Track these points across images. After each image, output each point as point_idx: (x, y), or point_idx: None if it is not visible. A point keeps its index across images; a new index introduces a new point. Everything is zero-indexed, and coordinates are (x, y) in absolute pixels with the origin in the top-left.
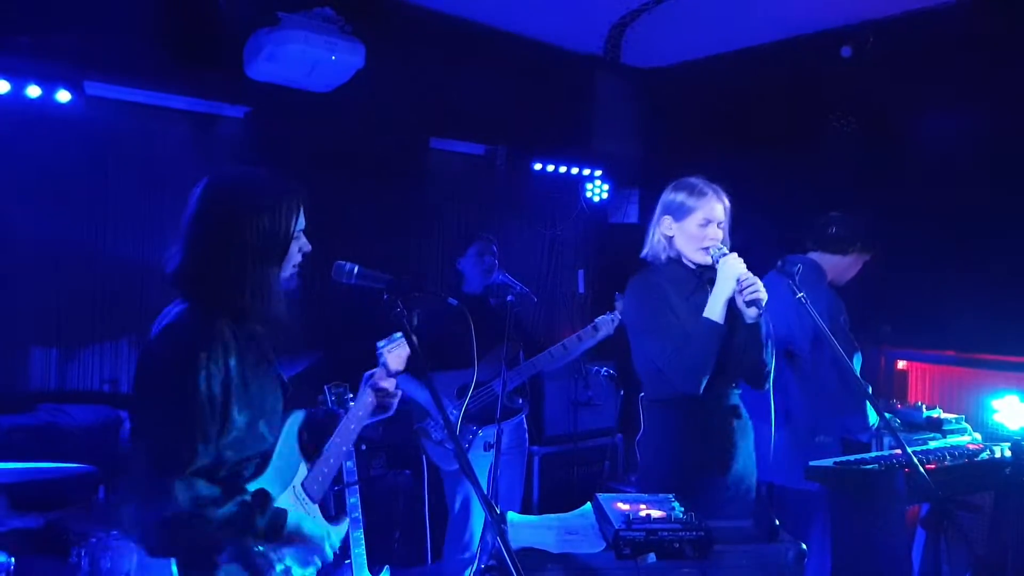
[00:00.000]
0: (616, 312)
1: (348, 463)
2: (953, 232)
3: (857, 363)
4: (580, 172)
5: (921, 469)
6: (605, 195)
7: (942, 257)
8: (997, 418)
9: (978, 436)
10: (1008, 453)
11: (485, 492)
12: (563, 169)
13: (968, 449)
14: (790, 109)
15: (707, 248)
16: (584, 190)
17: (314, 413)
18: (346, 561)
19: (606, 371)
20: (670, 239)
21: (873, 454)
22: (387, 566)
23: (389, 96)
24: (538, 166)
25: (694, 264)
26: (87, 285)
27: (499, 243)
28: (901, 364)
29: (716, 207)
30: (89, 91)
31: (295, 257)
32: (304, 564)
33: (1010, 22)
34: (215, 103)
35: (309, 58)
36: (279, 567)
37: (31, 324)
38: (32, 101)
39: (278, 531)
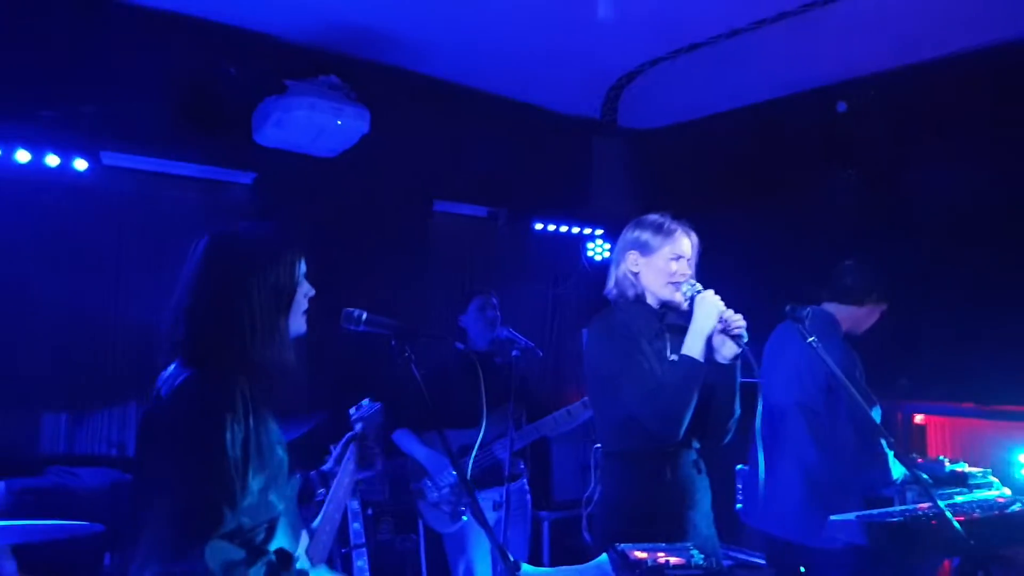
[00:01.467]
0: None
1: (356, 525)
2: (968, 283)
3: (876, 417)
4: (581, 231)
5: (952, 519)
6: (607, 254)
7: (957, 308)
8: None
9: (1007, 491)
10: None
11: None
12: (564, 229)
13: (998, 502)
14: (788, 165)
15: (677, 284)
16: (585, 249)
17: (308, 477)
18: None
19: None
20: (636, 275)
21: (898, 508)
22: None
23: (393, 161)
24: (539, 226)
25: (658, 302)
26: (97, 350)
27: (502, 303)
28: (919, 418)
29: (684, 242)
30: (105, 160)
31: (302, 304)
32: None
33: (1005, 74)
34: (225, 170)
35: (315, 123)
36: None
37: (42, 388)
38: (51, 169)
39: None
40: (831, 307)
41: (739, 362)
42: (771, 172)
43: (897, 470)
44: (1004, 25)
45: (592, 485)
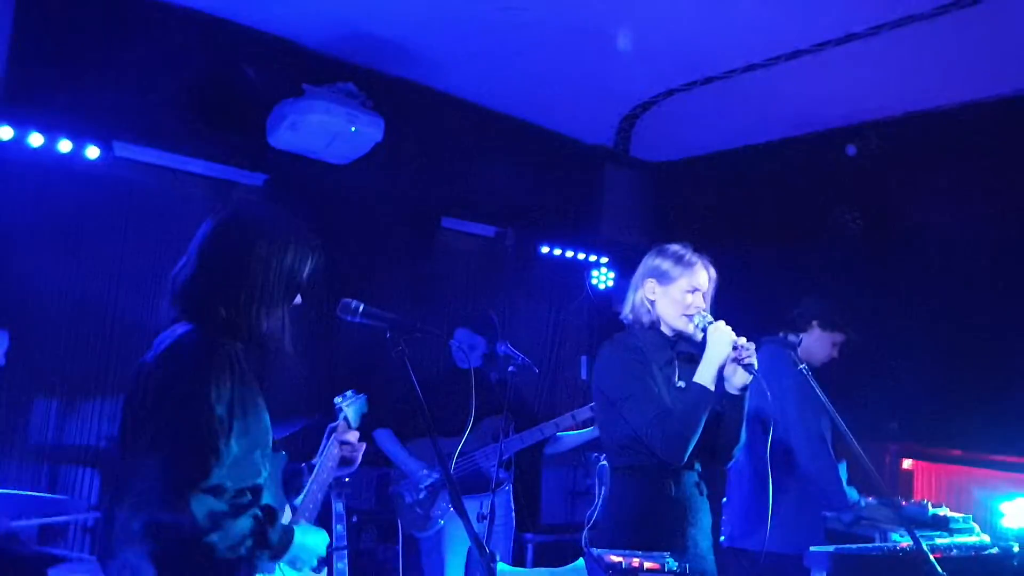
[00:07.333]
0: None
1: (339, 527)
2: (960, 331)
3: (842, 470)
4: (587, 258)
5: (928, 553)
6: (611, 283)
7: (949, 356)
8: (1005, 523)
9: (986, 538)
10: (1016, 548)
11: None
12: (570, 254)
13: (975, 545)
14: (794, 205)
15: (691, 316)
16: (589, 276)
17: (298, 469)
18: None
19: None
20: (652, 303)
21: (878, 544)
22: None
23: (404, 174)
24: (545, 249)
25: (672, 331)
26: (94, 340)
27: (504, 323)
28: (907, 464)
29: (702, 275)
30: (117, 151)
31: (295, 299)
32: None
33: (1010, 126)
34: (236, 169)
35: (329, 128)
36: None
37: (34, 374)
38: (62, 155)
39: (286, 547)
40: (792, 337)
41: (747, 392)
42: (777, 211)
43: (855, 493)
44: (1011, 79)
45: (595, 501)
